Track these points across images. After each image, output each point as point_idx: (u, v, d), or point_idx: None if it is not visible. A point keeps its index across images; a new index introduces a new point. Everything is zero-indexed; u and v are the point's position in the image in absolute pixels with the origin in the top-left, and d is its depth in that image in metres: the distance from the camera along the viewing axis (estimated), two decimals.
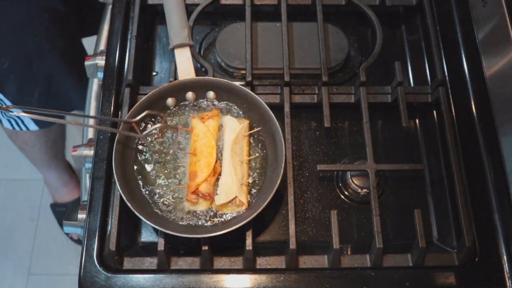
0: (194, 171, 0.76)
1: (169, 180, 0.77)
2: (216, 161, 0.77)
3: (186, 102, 0.83)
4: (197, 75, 0.82)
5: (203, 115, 0.81)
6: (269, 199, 0.71)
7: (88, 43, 1.34)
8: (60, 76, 1.24)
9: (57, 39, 1.18)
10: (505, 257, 0.74)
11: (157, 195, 0.77)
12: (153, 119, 0.81)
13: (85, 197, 0.86)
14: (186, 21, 0.85)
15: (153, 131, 0.79)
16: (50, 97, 1.25)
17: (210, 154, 0.77)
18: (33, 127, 1.34)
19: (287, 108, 0.82)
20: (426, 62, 0.94)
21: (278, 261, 0.74)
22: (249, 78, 0.84)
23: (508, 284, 0.72)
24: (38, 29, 1.14)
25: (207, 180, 0.75)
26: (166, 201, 0.76)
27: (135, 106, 0.78)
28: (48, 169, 1.69)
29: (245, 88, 0.81)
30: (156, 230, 0.77)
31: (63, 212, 1.76)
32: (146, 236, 0.80)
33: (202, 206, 0.75)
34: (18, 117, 1.25)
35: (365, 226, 0.81)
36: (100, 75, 0.91)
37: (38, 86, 1.21)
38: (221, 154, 0.78)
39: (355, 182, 0.82)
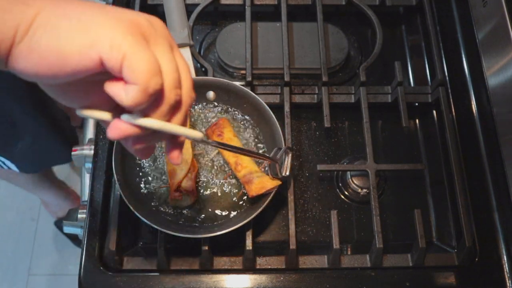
0: (172, 169, 0.76)
1: (168, 180, 0.78)
2: (193, 156, 0.78)
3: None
4: (197, 75, 0.82)
5: None
6: (269, 199, 0.71)
7: None
8: (44, 133, 1.25)
9: (38, 101, 1.18)
10: (505, 257, 0.74)
11: (156, 195, 0.77)
12: None
13: (85, 197, 0.86)
14: (186, 21, 0.85)
15: None
16: (32, 149, 1.26)
17: (186, 150, 0.77)
18: (14, 169, 1.33)
19: (287, 108, 0.82)
20: (426, 62, 0.94)
21: (278, 261, 0.74)
22: (249, 78, 0.84)
23: (508, 284, 0.72)
24: (19, 92, 1.13)
25: (187, 176, 0.75)
26: (166, 201, 0.76)
27: None
28: (43, 190, 1.66)
29: (245, 88, 0.81)
30: (156, 230, 0.77)
31: None
32: (146, 236, 0.80)
33: (186, 202, 0.76)
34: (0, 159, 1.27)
35: (365, 226, 0.81)
36: None
37: (21, 140, 1.22)
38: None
39: (355, 182, 0.82)
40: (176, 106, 0.44)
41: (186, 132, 0.46)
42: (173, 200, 0.75)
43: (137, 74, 0.38)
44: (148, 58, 0.39)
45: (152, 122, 0.42)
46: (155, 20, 0.43)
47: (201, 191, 0.77)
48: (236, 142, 0.78)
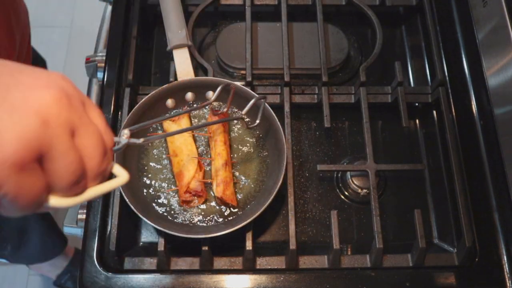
0: (180, 172, 0.76)
1: (169, 180, 0.78)
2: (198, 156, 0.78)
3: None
4: (196, 75, 0.82)
5: (174, 117, 0.81)
6: (270, 199, 0.71)
7: (88, 43, 1.34)
8: (31, 225, 1.20)
9: None
10: (505, 257, 0.74)
11: (157, 195, 0.77)
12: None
13: None
14: (183, 21, 0.85)
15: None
16: (22, 246, 1.22)
17: (191, 151, 0.77)
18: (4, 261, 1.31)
19: (287, 108, 0.82)
20: (426, 62, 0.94)
21: (278, 261, 0.74)
22: (249, 78, 0.84)
23: (508, 284, 0.72)
24: None
25: (195, 177, 0.75)
26: (166, 201, 0.76)
27: (135, 107, 0.78)
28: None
29: (245, 88, 0.80)
30: (156, 230, 0.77)
31: (70, 277, 1.64)
32: (146, 236, 0.80)
33: (197, 203, 0.76)
34: None
35: (365, 226, 0.81)
36: (100, 75, 0.91)
37: (11, 241, 1.19)
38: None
39: (355, 182, 0.82)
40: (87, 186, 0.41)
41: (112, 185, 0.43)
42: (184, 202, 0.75)
43: (11, 212, 0.35)
44: (30, 198, 0.35)
45: (69, 202, 0.39)
46: (51, 120, 0.35)
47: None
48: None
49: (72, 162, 0.36)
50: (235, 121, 0.83)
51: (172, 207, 0.76)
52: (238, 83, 0.81)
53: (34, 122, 0.34)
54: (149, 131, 0.81)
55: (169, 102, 0.82)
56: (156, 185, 0.77)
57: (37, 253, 1.31)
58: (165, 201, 0.76)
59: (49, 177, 0.36)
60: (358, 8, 0.92)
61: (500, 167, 0.78)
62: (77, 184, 0.38)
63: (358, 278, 0.72)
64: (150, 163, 0.79)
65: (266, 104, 0.78)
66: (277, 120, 0.77)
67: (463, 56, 0.89)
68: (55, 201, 0.38)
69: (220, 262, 0.73)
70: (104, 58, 0.89)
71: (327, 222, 0.80)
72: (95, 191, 0.41)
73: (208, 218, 0.75)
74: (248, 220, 0.70)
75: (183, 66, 0.82)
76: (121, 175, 0.45)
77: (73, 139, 0.37)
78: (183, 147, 0.77)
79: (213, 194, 0.76)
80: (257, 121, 0.75)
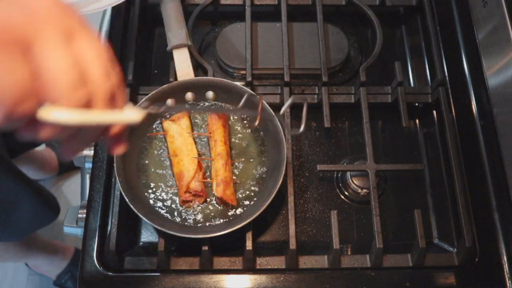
0: (180, 171, 0.76)
1: (169, 180, 0.78)
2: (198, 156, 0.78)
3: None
4: (196, 75, 0.82)
5: (174, 117, 0.81)
6: (270, 199, 0.71)
7: None
8: (20, 197, 1.16)
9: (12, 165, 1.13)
10: (505, 257, 0.74)
11: (157, 195, 0.77)
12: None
13: (85, 197, 0.86)
14: (183, 21, 0.85)
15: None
16: (8, 223, 1.19)
17: (191, 150, 0.77)
18: None
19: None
20: (426, 62, 0.94)
21: (278, 261, 0.74)
22: (249, 78, 0.84)
23: (508, 284, 0.72)
24: None
25: (195, 177, 0.75)
26: (166, 200, 0.76)
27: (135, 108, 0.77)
28: (32, 255, 1.57)
29: (245, 88, 0.81)
30: (156, 230, 0.77)
31: (70, 276, 1.65)
32: (146, 236, 0.80)
33: (197, 203, 0.76)
34: None
35: (365, 226, 0.81)
36: None
37: None
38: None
39: (355, 182, 0.82)
40: (90, 100, 0.36)
41: (121, 118, 0.38)
42: (184, 202, 0.75)
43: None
44: (18, 82, 0.32)
45: (70, 116, 0.34)
46: (40, 15, 0.33)
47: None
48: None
49: (63, 57, 0.33)
50: (236, 121, 0.83)
51: (172, 207, 0.76)
52: (238, 83, 0.81)
53: (23, 11, 0.31)
54: (149, 131, 0.81)
55: (169, 102, 0.82)
56: (156, 185, 0.77)
57: (27, 226, 1.28)
58: (165, 201, 0.76)
59: (41, 76, 0.32)
60: (358, 8, 0.92)
61: (500, 167, 0.78)
62: (76, 92, 0.34)
63: (358, 278, 0.72)
64: (150, 163, 0.79)
65: (266, 104, 0.78)
66: (277, 120, 0.77)
67: (463, 56, 0.89)
68: (49, 112, 0.33)
69: (220, 262, 0.73)
70: None
71: (327, 222, 0.80)
72: (100, 115, 0.36)
73: (208, 218, 0.75)
74: (248, 220, 0.70)
75: (183, 66, 0.82)
76: (134, 113, 0.40)
77: (70, 43, 0.34)
78: (183, 147, 0.77)
79: (213, 194, 0.76)
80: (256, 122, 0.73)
